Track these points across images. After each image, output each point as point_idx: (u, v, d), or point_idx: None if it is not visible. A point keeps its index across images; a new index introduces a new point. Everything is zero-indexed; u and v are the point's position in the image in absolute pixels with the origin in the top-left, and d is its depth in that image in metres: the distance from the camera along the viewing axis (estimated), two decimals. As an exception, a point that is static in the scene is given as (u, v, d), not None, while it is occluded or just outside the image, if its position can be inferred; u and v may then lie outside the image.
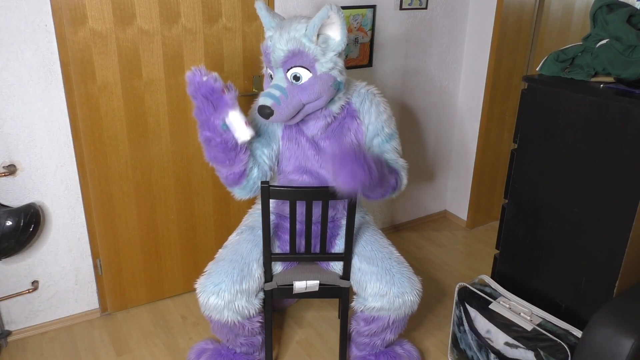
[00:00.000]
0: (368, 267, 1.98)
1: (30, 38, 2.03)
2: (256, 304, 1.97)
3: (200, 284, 1.95)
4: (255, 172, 1.92)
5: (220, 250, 2.08)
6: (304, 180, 2.00)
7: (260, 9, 1.88)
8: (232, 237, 2.13)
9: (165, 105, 2.37)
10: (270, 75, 1.87)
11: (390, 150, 2.04)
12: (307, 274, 2.06)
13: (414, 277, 2.01)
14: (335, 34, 1.79)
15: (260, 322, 2.03)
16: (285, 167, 2.02)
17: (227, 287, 1.89)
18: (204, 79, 1.70)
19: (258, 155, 1.95)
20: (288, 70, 1.79)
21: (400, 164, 2.05)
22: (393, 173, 1.97)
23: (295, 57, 1.76)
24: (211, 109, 1.73)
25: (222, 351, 2.15)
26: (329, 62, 1.78)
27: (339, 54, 1.82)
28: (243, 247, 2.02)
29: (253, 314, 1.97)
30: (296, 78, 1.79)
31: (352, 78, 2.03)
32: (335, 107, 1.91)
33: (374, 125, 1.99)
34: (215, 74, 1.74)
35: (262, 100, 1.78)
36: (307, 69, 1.78)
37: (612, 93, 1.79)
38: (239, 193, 1.97)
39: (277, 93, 1.78)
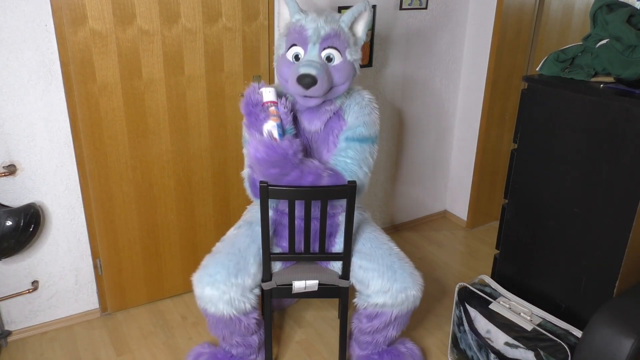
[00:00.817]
0: (369, 265, 1.98)
1: (30, 38, 2.03)
2: (251, 298, 1.96)
3: (196, 275, 1.96)
4: None
5: (217, 244, 2.08)
6: None
7: None
8: (230, 232, 2.14)
9: (165, 105, 2.37)
10: (296, 56, 1.89)
11: (352, 154, 1.94)
12: (306, 274, 2.06)
13: (416, 272, 2.02)
14: (359, 30, 1.92)
15: (256, 319, 2.02)
16: None
17: (223, 278, 1.89)
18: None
19: None
20: (324, 49, 1.85)
21: (356, 172, 1.94)
22: (312, 173, 1.84)
23: (335, 38, 1.84)
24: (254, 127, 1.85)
25: (218, 355, 2.14)
26: (356, 53, 1.91)
27: (360, 49, 1.94)
28: (241, 241, 2.03)
29: (249, 309, 1.97)
30: (329, 59, 1.86)
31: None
32: (339, 102, 1.98)
33: (351, 123, 1.98)
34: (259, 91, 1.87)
35: (305, 69, 1.79)
36: (340, 52, 1.86)
37: (612, 93, 1.79)
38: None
39: (318, 65, 1.82)
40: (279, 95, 1.92)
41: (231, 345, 2.10)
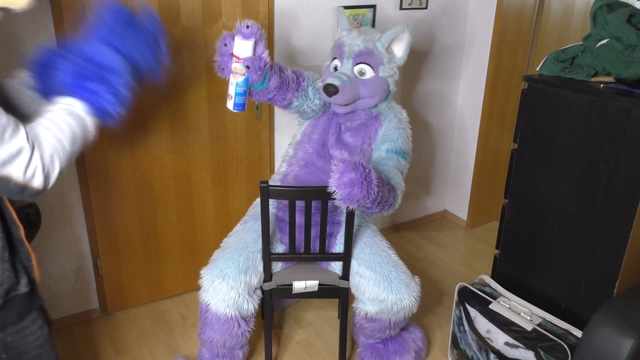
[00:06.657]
0: (366, 272, 1.99)
1: (31, 38, 2.03)
2: (255, 299, 1.99)
3: (207, 268, 1.98)
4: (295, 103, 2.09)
5: (225, 239, 2.12)
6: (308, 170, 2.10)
7: (341, 12, 2.16)
8: (237, 227, 2.17)
9: (166, 106, 2.37)
10: (335, 67, 2.07)
11: (395, 166, 2.01)
12: (306, 274, 2.07)
13: (412, 283, 2.02)
14: (399, 51, 2.05)
15: (251, 329, 2.03)
16: (303, 141, 2.15)
17: (233, 273, 1.92)
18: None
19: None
20: (357, 64, 2.00)
21: (399, 183, 2.00)
22: (392, 191, 1.91)
23: (367, 55, 2.00)
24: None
25: None
26: (390, 70, 2.04)
27: (398, 68, 2.08)
28: (248, 236, 2.06)
29: (250, 313, 1.98)
30: (361, 73, 2.00)
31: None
32: (375, 111, 2.11)
33: (390, 133, 2.07)
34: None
35: (331, 79, 1.96)
36: (372, 68, 2.00)
37: (612, 93, 1.79)
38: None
39: (344, 77, 1.98)
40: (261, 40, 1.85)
41: (215, 354, 2.08)
